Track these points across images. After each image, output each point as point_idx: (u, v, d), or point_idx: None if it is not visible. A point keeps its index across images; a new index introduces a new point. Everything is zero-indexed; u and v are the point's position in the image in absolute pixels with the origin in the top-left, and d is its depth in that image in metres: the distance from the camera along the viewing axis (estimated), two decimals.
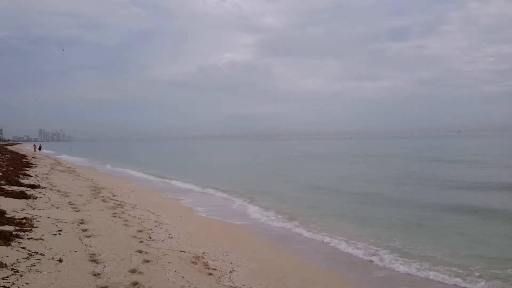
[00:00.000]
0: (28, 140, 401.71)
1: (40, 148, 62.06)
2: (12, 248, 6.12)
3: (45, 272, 5.37)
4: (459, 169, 28.01)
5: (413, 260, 8.33)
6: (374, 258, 8.52)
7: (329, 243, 9.83)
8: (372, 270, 7.95)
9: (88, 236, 7.77)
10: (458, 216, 13.00)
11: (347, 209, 14.48)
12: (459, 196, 16.98)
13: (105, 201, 13.14)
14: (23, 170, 21.30)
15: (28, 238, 6.85)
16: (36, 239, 6.89)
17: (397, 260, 8.35)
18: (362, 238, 10.09)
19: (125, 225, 9.49)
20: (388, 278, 7.48)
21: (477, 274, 7.50)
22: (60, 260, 5.96)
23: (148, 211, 12.14)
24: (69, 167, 30.20)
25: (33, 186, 14.27)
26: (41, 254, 6.10)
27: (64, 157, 52.88)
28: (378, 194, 18.00)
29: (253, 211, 14.01)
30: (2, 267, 5.24)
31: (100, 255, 6.57)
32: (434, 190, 18.93)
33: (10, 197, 11.10)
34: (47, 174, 21.64)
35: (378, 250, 9.04)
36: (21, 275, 5.09)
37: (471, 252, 9.00)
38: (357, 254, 8.90)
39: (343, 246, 9.52)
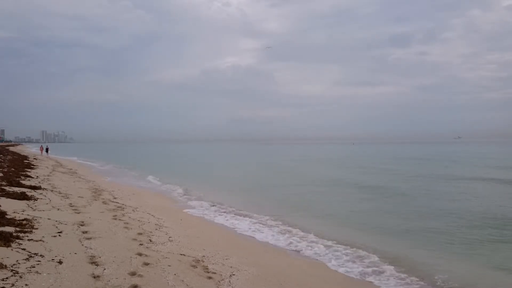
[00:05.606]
0: (30, 141, 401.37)
1: (47, 150, 56.51)
2: (12, 249, 6.14)
3: (44, 274, 5.37)
4: None
5: None
6: None
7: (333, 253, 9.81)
8: None
9: (88, 238, 7.77)
10: None
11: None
12: None
13: (105, 203, 13.14)
14: (24, 171, 21.34)
15: (28, 240, 6.87)
16: (36, 241, 6.90)
17: None
18: None
19: (125, 227, 9.48)
20: None
21: None
22: (60, 262, 5.96)
23: (149, 213, 12.13)
24: (70, 169, 30.20)
25: (34, 188, 14.28)
26: (41, 255, 6.10)
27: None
28: None
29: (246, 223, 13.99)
30: (2, 268, 5.25)
31: (100, 257, 6.57)
32: None
33: (11, 198, 11.12)
34: (48, 175, 21.66)
35: None
36: (20, 277, 5.09)
37: None
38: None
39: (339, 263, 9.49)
